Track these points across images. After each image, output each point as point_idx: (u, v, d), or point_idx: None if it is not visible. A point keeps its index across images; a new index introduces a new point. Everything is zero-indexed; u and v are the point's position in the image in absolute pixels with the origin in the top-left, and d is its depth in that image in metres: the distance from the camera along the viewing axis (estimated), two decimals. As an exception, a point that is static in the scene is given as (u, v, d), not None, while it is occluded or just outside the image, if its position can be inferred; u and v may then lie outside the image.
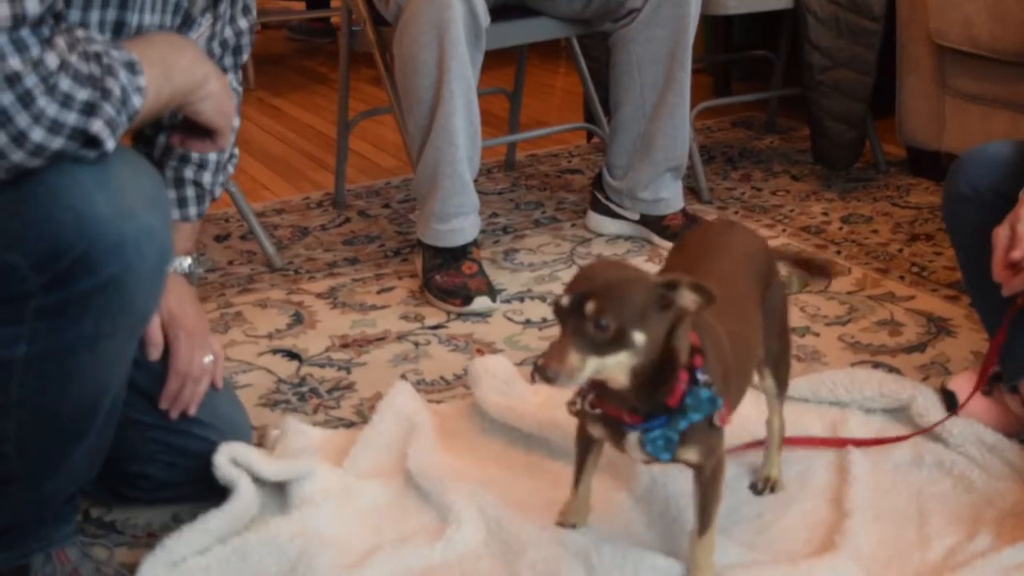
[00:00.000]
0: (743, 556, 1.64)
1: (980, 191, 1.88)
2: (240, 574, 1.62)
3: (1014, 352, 1.85)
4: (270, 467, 1.78)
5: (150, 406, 1.74)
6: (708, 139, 3.60)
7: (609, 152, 2.87)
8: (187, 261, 1.82)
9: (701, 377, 1.45)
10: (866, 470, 1.81)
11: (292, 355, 2.34)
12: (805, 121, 3.28)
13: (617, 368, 1.39)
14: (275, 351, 2.36)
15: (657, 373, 1.42)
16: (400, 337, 2.40)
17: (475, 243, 2.61)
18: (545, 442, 1.92)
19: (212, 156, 1.83)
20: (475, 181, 2.61)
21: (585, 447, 1.66)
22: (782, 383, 1.76)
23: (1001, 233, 1.72)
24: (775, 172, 3.31)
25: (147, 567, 1.61)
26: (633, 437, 1.48)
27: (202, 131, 1.58)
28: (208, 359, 1.78)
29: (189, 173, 1.81)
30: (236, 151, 1.91)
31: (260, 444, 1.92)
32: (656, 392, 1.44)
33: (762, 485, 1.79)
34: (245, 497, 1.73)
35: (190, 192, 1.82)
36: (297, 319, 2.50)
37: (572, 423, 1.90)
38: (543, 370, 1.35)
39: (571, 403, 1.58)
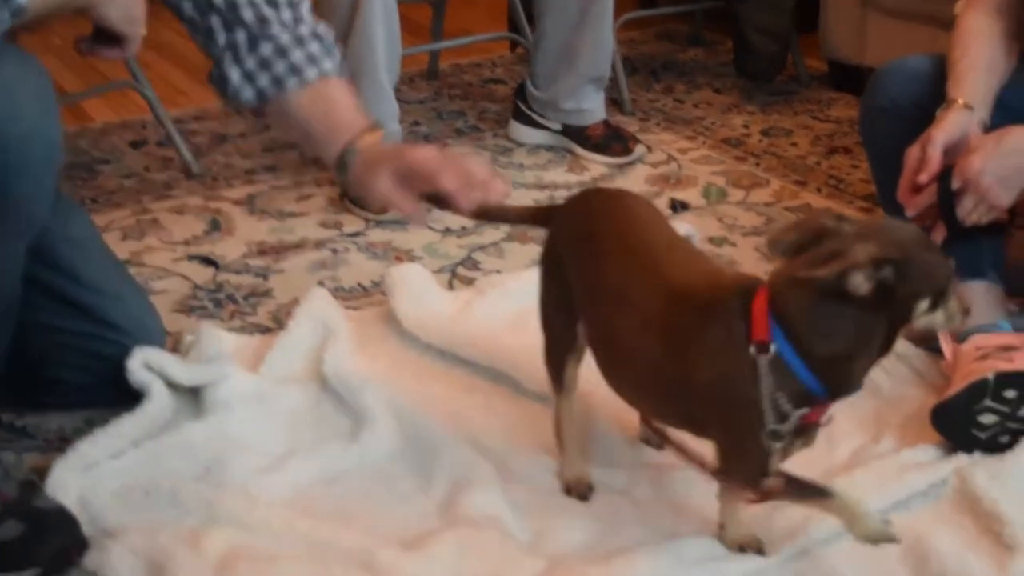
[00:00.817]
0: (651, 458, 1.67)
1: (899, 104, 1.89)
2: (153, 477, 1.62)
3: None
4: (184, 371, 1.78)
5: (59, 308, 1.71)
6: (632, 51, 3.58)
7: (532, 62, 2.85)
8: (394, 126, 1.69)
9: None
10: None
11: (209, 261, 2.32)
12: (730, 35, 3.27)
13: None
14: (191, 257, 2.33)
15: None
16: (318, 244, 2.38)
17: (395, 151, 2.58)
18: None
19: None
20: (397, 90, 2.58)
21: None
22: None
23: (912, 154, 1.72)
24: (698, 85, 3.31)
25: (58, 470, 1.61)
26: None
27: (111, 38, 1.54)
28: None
29: (305, 29, 1.66)
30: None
31: (174, 350, 1.90)
32: None
33: None
34: (158, 401, 1.72)
35: (314, 47, 1.67)
36: (214, 226, 2.47)
37: (483, 338, 1.91)
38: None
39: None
